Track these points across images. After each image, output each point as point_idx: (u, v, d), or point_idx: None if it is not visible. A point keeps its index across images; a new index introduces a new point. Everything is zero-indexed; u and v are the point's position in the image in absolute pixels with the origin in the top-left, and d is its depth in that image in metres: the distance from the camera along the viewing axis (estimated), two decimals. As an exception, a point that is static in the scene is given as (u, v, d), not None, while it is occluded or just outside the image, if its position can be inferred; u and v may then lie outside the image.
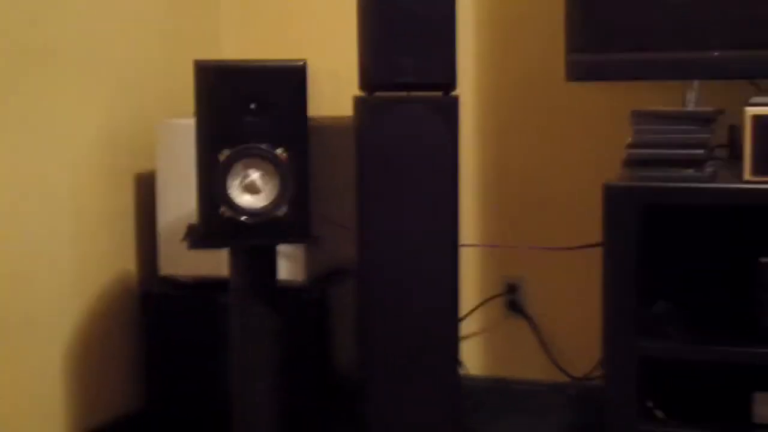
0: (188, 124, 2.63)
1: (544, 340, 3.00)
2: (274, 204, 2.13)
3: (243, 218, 2.12)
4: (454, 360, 2.36)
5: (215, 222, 2.11)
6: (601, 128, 2.88)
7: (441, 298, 2.32)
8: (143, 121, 2.80)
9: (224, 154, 2.10)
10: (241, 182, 2.13)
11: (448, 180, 2.27)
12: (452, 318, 2.34)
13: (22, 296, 2.39)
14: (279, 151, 2.11)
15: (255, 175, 2.13)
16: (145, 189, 2.79)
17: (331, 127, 2.65)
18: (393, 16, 2.22)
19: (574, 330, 2.96)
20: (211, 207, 2.11)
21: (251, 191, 2.13)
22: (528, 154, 2.98)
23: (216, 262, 2.61)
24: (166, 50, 2.92)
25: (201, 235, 2.13)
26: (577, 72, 2.32)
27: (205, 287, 2.67)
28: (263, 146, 2.11)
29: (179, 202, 2.65)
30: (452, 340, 2.35)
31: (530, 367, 3.01)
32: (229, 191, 2.12)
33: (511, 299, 3.02)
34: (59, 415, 2.53)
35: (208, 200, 2.11)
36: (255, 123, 2.10)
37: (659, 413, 2.28)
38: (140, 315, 2.76)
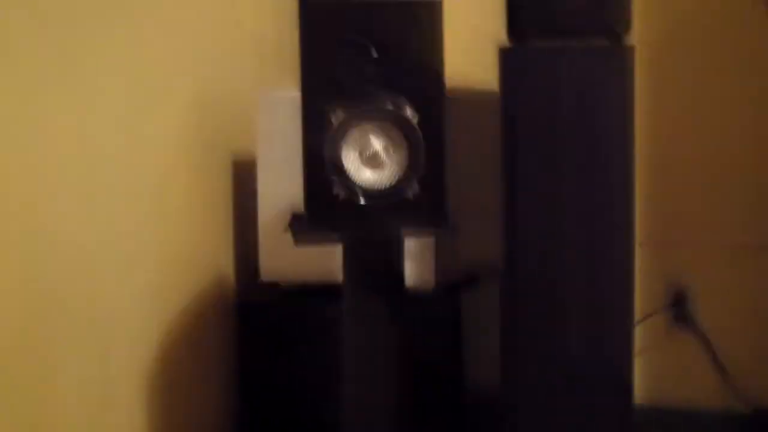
0: (294, 97, 2.20)
1: (719, 360, 2.55)
2: (403, 182, 1.66)
3: (363, 200, 1.65)
4: (626, 387, 1.86)
5: (327, 206, 1.65)
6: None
7: (610, 310, 1.83)
8: (243, 92, 2.34)
9: (339, 117, 1.64)
10: (361, 153, 1.66)
11: (623, 157, 1.78)
12: (624, 333, 1.84)
13: (94, 304, 1.95)
14: (409, 113, 1.64)
15: (378, 145, 1.66)
16: (244, 176, 2.35)
17: (463, 95, 2.17)
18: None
19: (756, 348, 2.52)
20: (321, 186, 1.65)
21: (373, 165, 1.66)
22: (705, 122, 2.48)
23: (328, 265, 2.16)
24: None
25: (309, 225, 1.67)
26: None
27: (315, 295, 2.23)
28: (389, 107, 1.64)
29: (285, 192, 2.20)
30: (624, 362, 1.85)
31: (701, 392, 2.58)
32: (345, 165, 1.65)
33: (677, 311, 2.59)
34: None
35: (318, 177, 1.65)
36: (377, 75, 1.64)
37: None
38: (237, 327, 2.32)
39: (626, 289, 1.82)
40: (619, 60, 1.75)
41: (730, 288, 2.55)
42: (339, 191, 1.65)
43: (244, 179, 2.35)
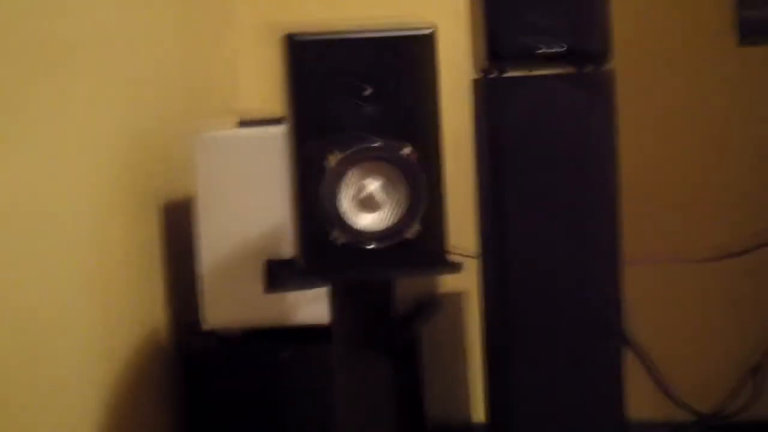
0: (233, 135, 2.12)
1: (656, 372, 2.50)
2: (402, 222, 1.58)
3: (370, 245, 1.56)
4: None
5: (327, 251, 1.56)
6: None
7: (601, 336, 1.81)
8: (176, 134, 2.23)
9: (335, 158, 1.55)
10: (356, 195, 1.58)
11: (608, 182, 1.75)
12: (616, 359, 1.81)
13: (34, 370, 1.78)
14: (405, 150, 1.57)
15: (374, 186, 1.58)
16: (179, 219, 2.23)
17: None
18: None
19: (693, 358, 2.52)
20: (318, 232, 1.56)
21: (369, 207, 1.58)
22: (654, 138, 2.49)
23: (271, 308, 2.09)
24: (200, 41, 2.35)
25: (305, 272, 1.58)
26: (751, 34, 1.81)
27: (261, 340, 2.13)
28: (386, 145, 1.56)
29: (224, 233, 2.10)
30: (617, 391, 1.82)
31: (641, 405, 2.41)
32: (343, 208, 1.57)
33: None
34: None
35: (314, 223, 1.56)
36: (370, 114, 1.56)
37: None
38: (179, 379, 2.20)
39: (615, 318, 1.78)
40: (601, 82, 1.72)
41: (664, 299, 2.53)
42: (338, 236, 1.57)
43: (176, 223, 2.23)
